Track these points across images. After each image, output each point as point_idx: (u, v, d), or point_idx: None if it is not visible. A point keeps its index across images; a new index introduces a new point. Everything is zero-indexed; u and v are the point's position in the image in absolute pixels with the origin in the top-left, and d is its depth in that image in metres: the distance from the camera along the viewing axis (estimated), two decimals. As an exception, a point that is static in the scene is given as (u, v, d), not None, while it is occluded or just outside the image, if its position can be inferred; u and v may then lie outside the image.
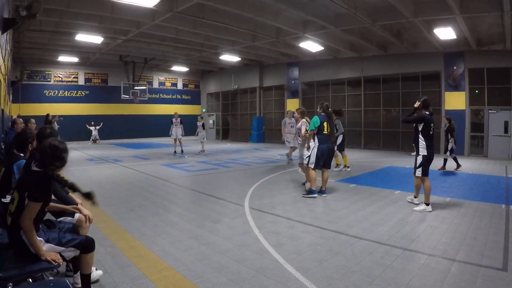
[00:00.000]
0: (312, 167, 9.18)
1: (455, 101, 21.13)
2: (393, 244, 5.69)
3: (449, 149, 14.37)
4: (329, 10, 16.79)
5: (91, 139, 30.65)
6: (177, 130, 21.27)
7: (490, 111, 20.32)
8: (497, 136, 19.89)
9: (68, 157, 3.79)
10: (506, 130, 19.72)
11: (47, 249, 3.56)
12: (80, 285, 4.13)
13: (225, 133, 37.09)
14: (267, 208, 8.00)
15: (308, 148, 9.50)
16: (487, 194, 9.83)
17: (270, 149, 24.76)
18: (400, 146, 23.41)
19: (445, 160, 14.72)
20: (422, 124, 7.79)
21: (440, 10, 15.19)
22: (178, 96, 38.89)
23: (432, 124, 7.83)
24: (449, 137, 14.41)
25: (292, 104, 29.23)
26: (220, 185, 11.13)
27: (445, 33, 17.78)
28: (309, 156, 9.35)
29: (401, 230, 6.45)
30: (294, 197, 9.27)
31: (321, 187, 9.47)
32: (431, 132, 7.83)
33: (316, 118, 9.18)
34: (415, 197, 8.34)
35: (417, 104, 7.95)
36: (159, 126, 35.52)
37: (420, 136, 7.87)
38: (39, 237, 3.57)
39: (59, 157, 3.65)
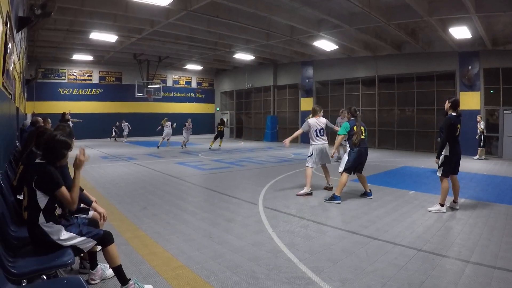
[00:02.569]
0: (342, 171, 8.94)
1: (470, 101, 20.94)
2: (407, 244, 5.65)
3: None
4: (344, 9, 16.74)
5: (122, 135, 31.33)
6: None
7: (505, 111, 20.15)
8: (511, 137, 19.67)
9: (69, 147, 3.90)
10: (521, 131, 19.57)
11: (68, 237, 3.65)
12: (97, 281, 4.24)
13: (238, 131, 37.26)
14: (281, 207, 7.98)
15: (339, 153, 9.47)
16: (502, 195, 9.74)
17: (284, 148, 24.70)
18: (414, 146, 23.29)
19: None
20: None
21: (455, 9, 15.06)
22: (192, 95, 39.12)
23: (458, 126, 7.71)
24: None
25: (306, 103, 29.32)
26: (234, 184, 11.15)
27: (460, 32, 17.66)
28: (342, 161, 9.18)
29: (415, 230, 6.41)
30: (308, 197, 9.23)
31: (365, 189, 9.31)
32: (456, 133, 7.73)
33: (346, 124, 9.03)
34: (454, 201, 8.08)
35: (446, 105, 7.89)
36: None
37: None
38: (60, 224, 3.68)
39: (60, 149, 3.79)
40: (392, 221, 6.98)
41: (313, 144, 9.65)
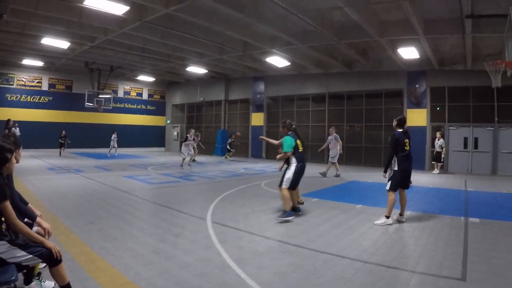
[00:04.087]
0: (288, 187, 8.55)
1: (417, 118, 21.93)
2: (354, 257, 5.77)
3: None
4: (297, 27, 17.05)
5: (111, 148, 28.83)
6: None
7: (450, 128, 21.36)
8: (456, 152, 20.85)
9: (11, 151, 3.83)
10: (465, 146, 20.71)
11: (13, 254, 3.52)
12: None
13: (189, 144, 36.90)
14: (230, 222, 7.94)
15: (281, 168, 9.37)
16: (447, 207, 10.20)
17: (234, 162, 24.78)
18: (363, 161, 23.84)
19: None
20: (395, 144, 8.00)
21: (404, 30, 15.76)
22: (143, 107, 38.61)
23: (406, 141, 8.02)
24: None
25: (257, 118, 29.71)
26: (183, 199, 11.02)
27: (409, 52, 18.47)
28: (284, 176, 8.80)
29: (362, 243, 6.56)
30: (256, 211, 9.24)
31: (292, 205, 8.74)
32: (405, 148, 7.99)
33: (289, 139, 8.61)
34: (400, 214, 8.33)
35: (394, 123, 8.23)
36: (123, 136, 35.13)
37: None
38: (3, 240, 3.54)
39: (3, 156, 3.72)
40: (339, 235, 7.10)
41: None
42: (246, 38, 18.80)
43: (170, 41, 20.42)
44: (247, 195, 11.66)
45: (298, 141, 8.78)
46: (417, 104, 22.28)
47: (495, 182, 16.90)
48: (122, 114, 36.57)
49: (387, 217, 7.97)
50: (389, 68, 22.43)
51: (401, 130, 8.11)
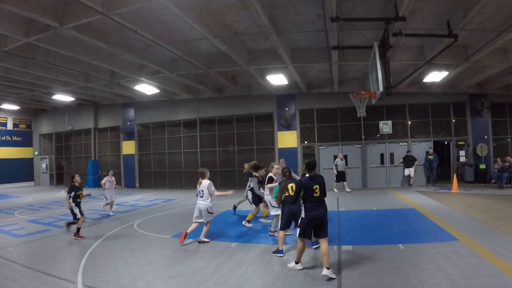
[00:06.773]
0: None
1: (287, 139, 23.10)
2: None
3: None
4: (165, 56, 17.21)
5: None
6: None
7: (320, 147, 23.08)
8: (328, 169, 21.94)
9: None
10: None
11: None
12: None
13: (59, 178, 34.54)
14: (101, 284, 7.13)
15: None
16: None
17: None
18: (237, 185, 23.85)
19: None
20: (302, 190, 7.50)
21: (273, 59, 16.60)
22: (8, 138, 35.58)
23: (315, 186, 7.43)
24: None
25: (128, 146, 29.16)
26: (51, 255, 9.50)
27: (277, 79, 19.36)
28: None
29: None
30: (129, 264, 8.40)
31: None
32: (314, 194, 7.42)
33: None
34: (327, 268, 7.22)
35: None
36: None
37: (301, 199, 7.63)
38: None
39: None
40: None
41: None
42: (113, 67, 18.34)
43: (34, 70, 19.32)
44: (119, 243, 10.55)
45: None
46: (287, 127, 23.34)
47: (366, 197, 18.20)
48: (-15, 147, 33.61)
49: (296, 262, 7.60)
50: (259, 92, 23.21)
51: (308, 175, 7.63)
